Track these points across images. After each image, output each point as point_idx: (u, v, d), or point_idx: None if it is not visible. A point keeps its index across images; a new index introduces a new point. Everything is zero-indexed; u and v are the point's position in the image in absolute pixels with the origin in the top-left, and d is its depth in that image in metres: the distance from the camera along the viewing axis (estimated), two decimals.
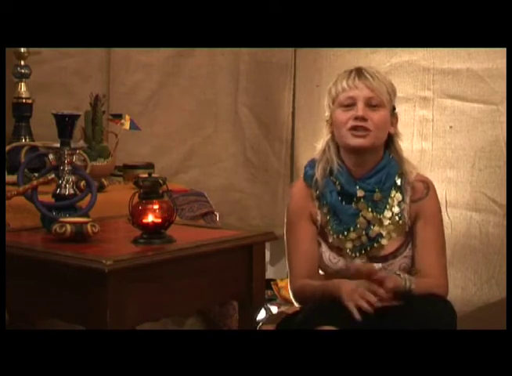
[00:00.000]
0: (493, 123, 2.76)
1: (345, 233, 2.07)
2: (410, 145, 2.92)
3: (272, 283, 3.25)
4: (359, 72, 2.05)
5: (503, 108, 2.70)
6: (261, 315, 2.89)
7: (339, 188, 2.08)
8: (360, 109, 2.01)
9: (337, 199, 2.08)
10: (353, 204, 2.07)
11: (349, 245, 2.07)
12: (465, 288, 2.82)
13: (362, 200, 2.06)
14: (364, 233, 2.06)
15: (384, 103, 2.04)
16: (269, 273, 3.25)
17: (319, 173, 2.10)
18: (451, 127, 2.88)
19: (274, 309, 3.07)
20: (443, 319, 1.90)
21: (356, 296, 1.88)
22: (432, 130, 2.92)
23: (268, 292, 3.14)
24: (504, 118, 2.70)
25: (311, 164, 2.14)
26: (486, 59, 2.75)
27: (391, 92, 2.08)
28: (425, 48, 2.89)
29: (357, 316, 1.86)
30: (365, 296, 1.87)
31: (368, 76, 2.04)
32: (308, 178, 2.12)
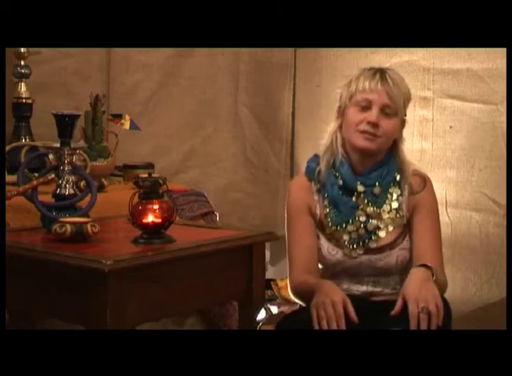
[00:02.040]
0: (493, 123, 2.76)
1: (344, 225, 2.10)
2: (410, 145, 2.91)
3: (272, 283, 3.25)
4: (383, 76, 2.06)
5: (503, 108, 2.70)
6: (261, 315, 2.90)
7: (340, 182, 2.11)
8: (374, 115, 2.04)
9: (337, 192, 2.11)
10: (353, 198, 2.11)
11: (347, 237, 2.10)
12: (465, 288, 2.82)
13: (362, 195, 2.10)
14: (362, 226, 2.10)
15: (397, 112, 2.07)
16: (269, 273, 3.25)
17: (323, 164, 2.13)
18: (451, 127, 2.88)
19: (274, 309, 3.07)
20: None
21: (321, 310, 1.87)
22: (432, 130, 2.92)
23: (268, 292, 3.14)
24: (504, 118, 2.70)
25: (314, 158, 2.18)
26: (486, 59, 2.75)
27: (407, 101, 2.11)
28: (425, 48, 2.89)
29: (315, 325, 1.87)
30: (327, 314, 1.87)
31: (390, 82, 2.05)
32: (310, 172, 2.16)
